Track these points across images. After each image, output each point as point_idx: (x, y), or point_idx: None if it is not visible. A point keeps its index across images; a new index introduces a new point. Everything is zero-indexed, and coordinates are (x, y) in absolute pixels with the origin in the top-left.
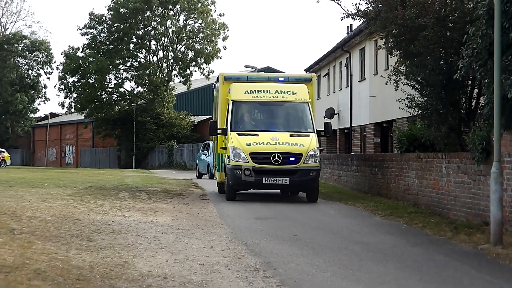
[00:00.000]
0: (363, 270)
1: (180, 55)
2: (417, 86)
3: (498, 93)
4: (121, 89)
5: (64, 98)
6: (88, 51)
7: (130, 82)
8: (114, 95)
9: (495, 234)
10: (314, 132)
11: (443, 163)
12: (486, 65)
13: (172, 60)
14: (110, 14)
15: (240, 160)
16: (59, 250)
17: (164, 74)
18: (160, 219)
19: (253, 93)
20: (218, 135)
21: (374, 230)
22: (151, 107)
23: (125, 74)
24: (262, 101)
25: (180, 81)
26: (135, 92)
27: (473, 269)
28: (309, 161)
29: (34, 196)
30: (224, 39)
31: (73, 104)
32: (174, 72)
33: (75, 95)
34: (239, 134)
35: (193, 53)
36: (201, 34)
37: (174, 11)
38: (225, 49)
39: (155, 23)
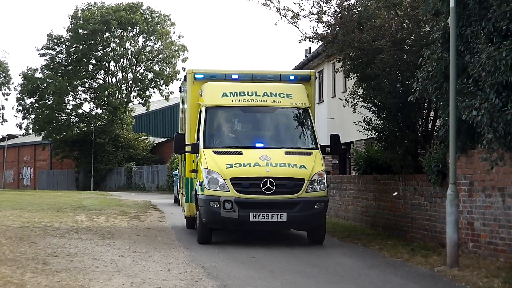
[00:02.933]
0: None
1: (139, 77)
2: (374, 108)
3: (453, 116)
4: (80, 111)
5: (22, 120)
6: (46, 72)
7: (88, 103)
8: (73, 117)
9: (451, 256)
10: (318, 149)
11: (400, 185)
12: (441, 88)
13: (131, 82)
14: (69, 35)
15: (218, 189)
16: (14, 274)
17: (123, 96)
18: (117, 241)
19: (233, 95)
20: (187, 153)
21: (331, 252)
22: (109, 128)
23: (83, 96)
24: (246, 106)
25: (139, 103)
26: (93, 113)
27: None
28: (314, 189)
29: None
30: (184, 60)
31: (31, 126)
32: (133, 94)
33: (33, 116)
34: (215, 152)
35: (152, 75)
36: (160, 56)
37: (133, 32)
38: (184, 70)
39: (114, 44)
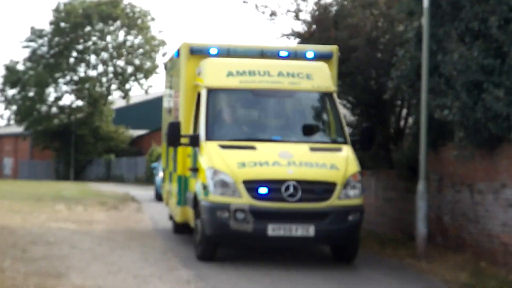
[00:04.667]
0: (292, 283)
1: (120, 70)
2: (348, 105)
3: (425, 114)
4: (61, 103)
5: (4, 110)
6: (28, 64)
7: (70, 95)
8: (54, 108)
9: (420, 249)
10: (349, 143)
11: (372, 180)
12: (414, 86)
13: (111, 75)
14: (51, 28)
15: (227, 194)
16: None
17: (104, 88)
18: (95, 231)
19: (241, 75)
20: (181, 146)
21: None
22: (90, 120)
23: (64, 88)
24: (257, 89)
25: (120, 96)
26: (74, 105)
27: (397, 282)
28: (347, 195)
29: None
30: (163, 55)
31: (12, 116)
32: (113, 87)
33: (14, 107)
34: (222, 147)
35: (132, 68)
36: (140, 50)
37: (114, 26)
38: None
39: (95, 37)
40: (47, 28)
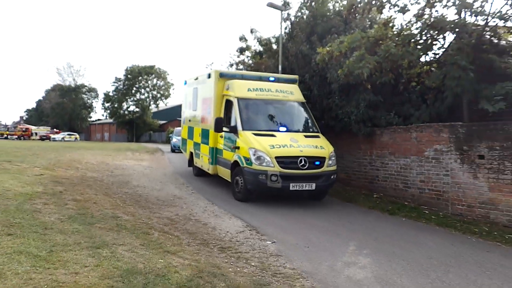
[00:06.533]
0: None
1: (154, 95)
2: None
3: None
4: (129, 109)
5: (103, 112)
6: (114, 92)
7: (132, 106)
8: (126, 112)
9: None
10: (320, 132)
11: None
12: None
13: (150, 97)
14: (124, 77)
15: (264, 164)
16: (98, 176)
17: (147, 103)
18: (143, 163)
19: (255, 91)
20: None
21: None
22: (141, 117)
23: (130, 103)
24: (266, 99)
25: (154, 106)
26: (134, 110)
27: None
28: (330, 165)
29: (88, 153)
30: (173, 89)
31: (107, 115)
32: (151, 102)
33: (108, 111)
34: (255, 134)
35: (160, 95)
36: (163, 87)
37: (151, 77)
38: (173, 93)
39: (143, 81)
40: (122, 77)
